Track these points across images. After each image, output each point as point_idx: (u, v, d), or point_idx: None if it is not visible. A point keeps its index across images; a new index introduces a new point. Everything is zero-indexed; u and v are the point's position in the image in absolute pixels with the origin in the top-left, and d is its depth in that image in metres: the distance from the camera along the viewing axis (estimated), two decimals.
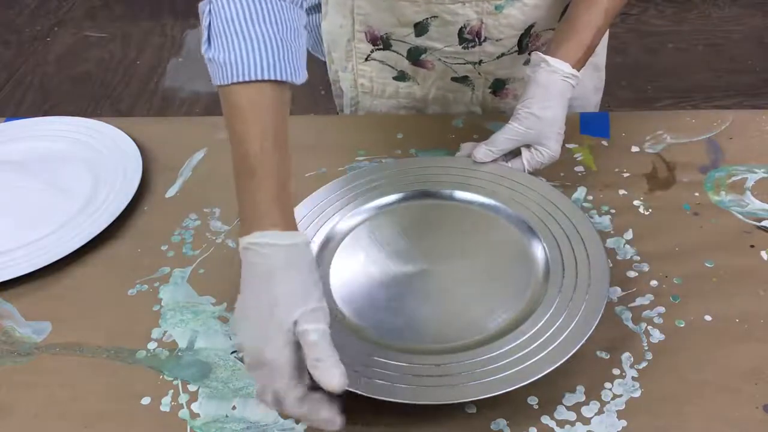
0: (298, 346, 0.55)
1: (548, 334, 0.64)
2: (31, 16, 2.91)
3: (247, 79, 0.60)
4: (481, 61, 0.92)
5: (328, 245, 0.76)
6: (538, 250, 0.73)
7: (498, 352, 0.63)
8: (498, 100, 0.98)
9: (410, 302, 0.70)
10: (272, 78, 0.61)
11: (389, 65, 0.97)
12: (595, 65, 1.00)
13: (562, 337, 0.63)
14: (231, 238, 0.81)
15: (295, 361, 0.55)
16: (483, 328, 0.67)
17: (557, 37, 0.79)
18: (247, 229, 0.58)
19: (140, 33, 2.75)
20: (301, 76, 0.64)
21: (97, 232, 0.81)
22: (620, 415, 0.62)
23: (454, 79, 0.95)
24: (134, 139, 0.93)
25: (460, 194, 0.80)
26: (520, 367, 0.61)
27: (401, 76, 0.97)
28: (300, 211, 0.78)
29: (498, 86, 0.96)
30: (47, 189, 0.89)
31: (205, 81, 2.57)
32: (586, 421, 0.62)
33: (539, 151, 0.78)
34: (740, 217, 0.79)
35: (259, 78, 0.60)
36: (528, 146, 0.79)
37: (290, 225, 0.59)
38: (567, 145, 0.89)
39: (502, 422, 0.62)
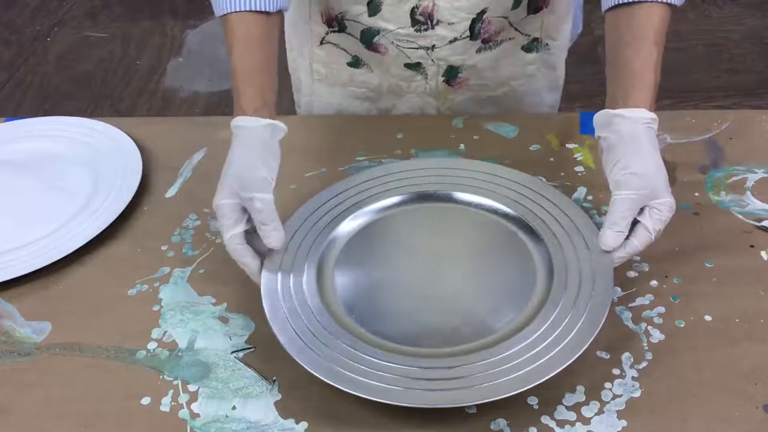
0: (245, 209, 0.70)
1: (555, 334, 0.64)
2: (31, 16, 2.91)
3: (228, 11, 0.76)
4: (433, 46, 0.91)
5: (331, 249, 0.76)
6: (541, 250, 0.73)
7: (505, 354, 0.63)
8: (452, 90, 0.98)
9: (414, 306, 0.70)
10: (248, 9, 0.76)
11: (343, 49, 0.97)
12: (549, 64, 1.00)
13: (569, 337, 0.63)
14: None
15: (236, 213, 0.69)
16: (489, 329, 0.67)
17: (616, 89, 0.72)
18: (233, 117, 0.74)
19: (140, 33, 2.75)
20: (274, 6, 0.77)
21: (97, 232, 0.81)
22: (620, 415, 0.62)
23: (407, 66, 0.95)
24: (134, 139, 0.93)
25: (459, 195, 0.80)
26: (529, 368, 0.61)
27: (355, 62, 0.98)
28: (300, 214, 0.78)
29: (451, 74, 0.95)
30: (47, 189, 0.89)
31: (205, 81, 2.58)
32: (586, 421, 0.62)
33: (657, 209, 0.67)
34: (740, 217, 0.79)
35: (239, 9, 0.76)
36: (640, 211, 0.68)
37: (259, 113, 0.73)
38: (567, 145, 0.89)
39: (502, 422, 0.62)
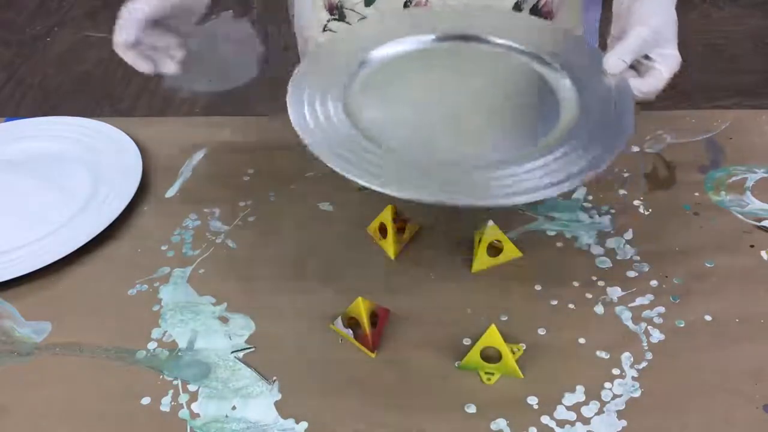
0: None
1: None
2: (31, 16, 2.91)
3: None
4: None
5: (357, 78, 0.77)
6: (565, 85, 0.75)
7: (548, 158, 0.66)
8: None
9: (440, 136, 0.71)
10: None
11: None
12: None
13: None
14: (231, 238, 0.81)
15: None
16: (513, 151, 0.68)
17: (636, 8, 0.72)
18: None
19: None
20: None
21: (97, 232, 0.81)
22: (620, 415, 0.62)
23: None
24: (134, 139, 0.93)
25: (491, 38, 0.81)
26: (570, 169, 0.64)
27: None
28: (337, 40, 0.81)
29: None
30: (47, 189, 0.89)
31: (205, 81, 2.58)
32: (586, 421, 0.62)
33: (666, 56, 0.69)
34: (740, 217, 0.79)
35: None
36: (646, 58, 0.70)
37: None
38: None
39: (502, 422, 0.62)
